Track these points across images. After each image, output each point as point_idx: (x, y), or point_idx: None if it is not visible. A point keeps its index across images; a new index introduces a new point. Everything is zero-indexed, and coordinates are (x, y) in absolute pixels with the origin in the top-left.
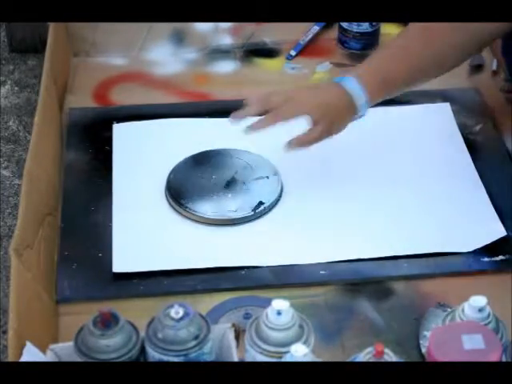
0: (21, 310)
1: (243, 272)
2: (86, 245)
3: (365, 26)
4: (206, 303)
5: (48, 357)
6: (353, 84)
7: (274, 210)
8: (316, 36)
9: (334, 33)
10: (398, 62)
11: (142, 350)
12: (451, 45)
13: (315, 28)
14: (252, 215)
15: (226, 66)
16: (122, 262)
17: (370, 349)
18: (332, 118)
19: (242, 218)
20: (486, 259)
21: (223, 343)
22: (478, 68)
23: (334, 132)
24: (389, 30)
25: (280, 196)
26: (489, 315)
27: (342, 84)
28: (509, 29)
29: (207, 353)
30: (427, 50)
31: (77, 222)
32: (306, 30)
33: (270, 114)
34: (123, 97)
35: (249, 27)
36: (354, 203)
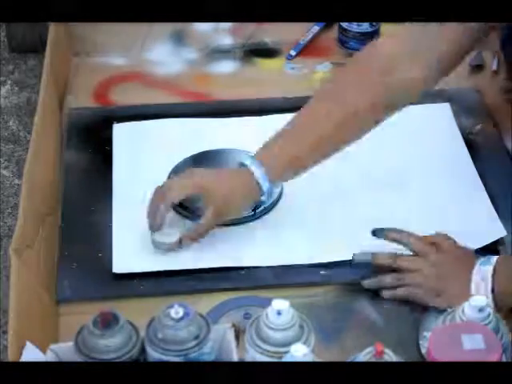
0: (21, 310)
1: (243, 272)
2: (86, 245)
3: (365, 26)
4: (206, 303)
5: (48, 357)
6: (259, 170)
7: (274, 210)
8: (316, 36)
9: (333, 33)
10: (304, 142)
11: (142, 350)
12: (363, 108)
13: (315, 28)
14: (252, 215)
15: (226, 66)
16: (122, 262)
17: (369, 349)
18: (226, 199)
19: (242, 217)
20: None
21: (223, 343)
22: (478, 68)
23: (229, 214)
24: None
25: (280, 196)
26: (489, 315)
27: (249, 169)
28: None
29: (207, 353)
30: (327, 120)
31: (77, 222)
32: (306, 30)
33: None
34: (123, 97)
35: (249, 27)
36: (354, 203)
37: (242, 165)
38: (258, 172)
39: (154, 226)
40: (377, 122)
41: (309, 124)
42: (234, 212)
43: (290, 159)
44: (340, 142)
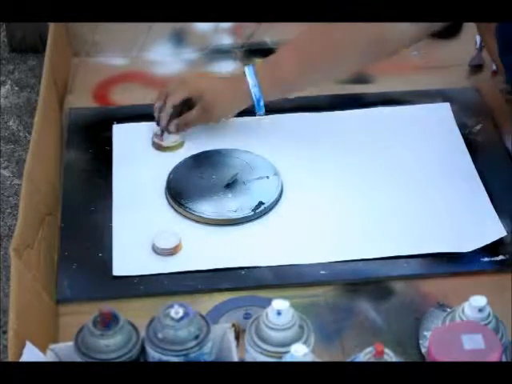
0: (21, 310)
1: (243, 272)
2: (86, 245)
3: None
4: (206, 303)
5: (48, 357)
6: (250, 71)
7: (274, 210)
8: None
9: None
10: (291, 59)
11: (142, 350)
12: (348, 40)
13: None
14: (252, 215)
15: (226, 66)
16: (122, 265)
17: (369, 349)
18: (210, 104)
19: (242, 217)
20: (486, 259)
21: (223, 343)
22: (478, 68)
23: (214, 116)
24: None
25: (280, 196)
26: (489, 315)
27: (244, 71)
28: (426, 34)
29: (207, 353)
30: (323, 41)
31: (77, 222)
32: None
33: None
34: (123, 97)
35: (249, 27)
36: (354, 203)
37: (243, 73)
38: (251, 81)
39: (161, 125)
40: (366, 58)
41: (305, 46)
42: (220, 112)
43: (281, 78)
44: (323, 64)
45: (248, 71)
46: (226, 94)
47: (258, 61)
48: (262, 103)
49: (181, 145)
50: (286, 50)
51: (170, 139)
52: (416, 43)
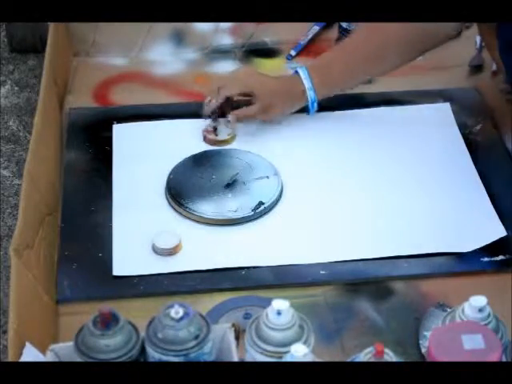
0: (21, 310)
1: (243, 272)
2: (86, 245)
3: None
4: (206, 303)
5: (48, 357)
6: (305, 74)
7: (274, 210)
8: (316, 36)
9: (334, 33)
10: (339, 62)
11: (142, 350)
12: (394, 39)
13: (315, 28)
14: (252, 215)
15: (225, 66)
16: (122, 265)
17: (369, 349)
18: (271, 100)
19: (242, 217)
20: (486, 259)
21: (223, 343)
22: (478, 68)
23: (272, 114)
24: None
25: (280, 196)
26: (489, 315)
27: (297, 71)
28: (455, 32)
29: (207, 353)
30: (367, 43)
31: (77, 222)
32: (306, 30)
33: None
34: (123, 97)
35: (249, 27)
36: (354, 203)
37: (296, 72)
38: (307, 83)
39: (206, 112)
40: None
41: (350, 49)
42: (277, 112)
43: (331, 80)
44: (370, 62)
45: (303, 74)
46: (284, 95)
47: (309, 63)
48: (315, 105)
49: (233, 138)
50: (333, 53)
51: (223, 133)
52: (456, 35)
